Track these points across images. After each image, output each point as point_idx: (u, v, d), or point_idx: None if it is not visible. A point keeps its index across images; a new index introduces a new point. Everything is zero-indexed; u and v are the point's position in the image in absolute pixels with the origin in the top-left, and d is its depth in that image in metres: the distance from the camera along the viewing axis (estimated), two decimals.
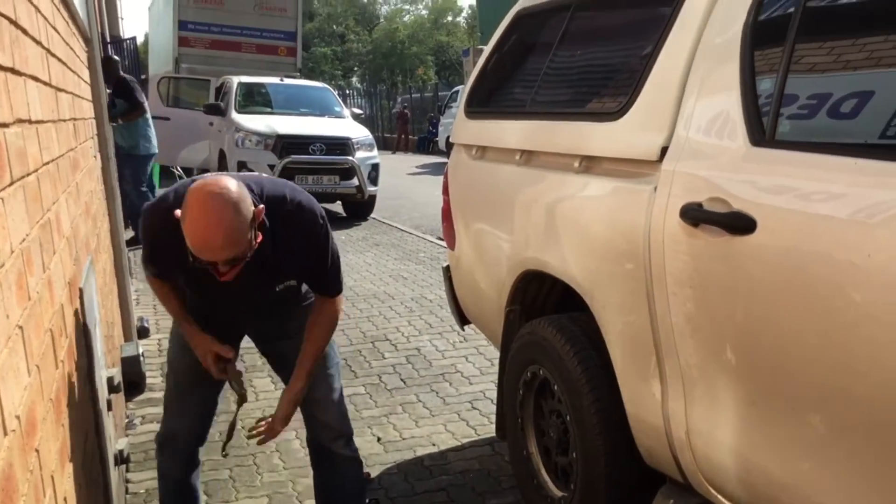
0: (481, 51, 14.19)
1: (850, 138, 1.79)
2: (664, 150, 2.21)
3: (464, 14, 52.33)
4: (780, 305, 1.79)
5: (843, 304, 1.65)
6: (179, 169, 13.76)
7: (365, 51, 48.66)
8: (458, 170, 3.54)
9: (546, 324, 2.74)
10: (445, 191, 3.63)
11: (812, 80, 1.94)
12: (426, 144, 26.99)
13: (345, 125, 11.03)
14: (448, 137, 13.99)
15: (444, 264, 3.82)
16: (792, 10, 1.99)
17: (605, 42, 2.91)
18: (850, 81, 1.84)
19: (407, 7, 52.51)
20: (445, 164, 3.72)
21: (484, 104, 3.46)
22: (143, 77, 14.11)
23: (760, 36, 2.06)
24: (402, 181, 16.34)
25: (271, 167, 9.86)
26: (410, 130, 29.41)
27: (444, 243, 5.09)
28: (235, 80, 11.69)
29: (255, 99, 11.74)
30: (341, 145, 10.28)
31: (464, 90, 3.73)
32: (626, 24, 2.77)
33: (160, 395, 3.47)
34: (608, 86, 2.69)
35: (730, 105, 2.06)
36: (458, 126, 3.59)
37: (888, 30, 1.81)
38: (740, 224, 1.89)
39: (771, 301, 1.82)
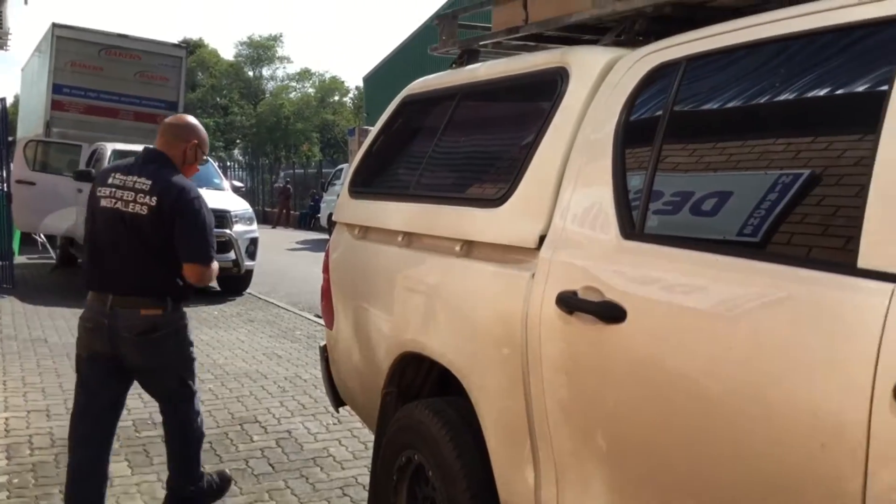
0: (367, 131, 14.33)
1: (711, 234, 1.90)
2: (542, 239, 2.28)
3: (351, 95, 53.12)
4: (648, 394, 1.85)
5: (705, 395, 1.72)
6: (42, 237, 13.06)
7: (249, 124, 48.35)
8: (340, 248, 3.52)
9: (423, 407, 2.72)
10: (326, 269, 3.59)
11: (678, 178, 2.06)
12: (307, 220, 26.83)
13: (223, 197, 10.82)
14: (330, 215, 13.95)
15: (322, 343, 3.75)
16: (660, 112, 2.12)
17: (489, 131, 3.01)
18: (712, 181, 1.97)
19: (294, 84, 52.80)
20: (326, 241, 3.70)
21: (368, 184, 3.48)
22: (10, 139, 13.43)
23: (631, 135, 2.18)
24: (281, 256, 16.09)
25: None
26: (292, 206, 29.19)
27: (321, 321, 5.00)
28: (109, 147, 11.32)
29: None
30: (219, 218, 10.00)
31: (348, 169, 3.75)
32: (509, 115, 2.89)
33: None
34: (490, 173, 2.77)
35: (603, 198, 2.16)
36: (342, 205, 3.59)
37: (746, 135, 1.96)
38: (612, 314, 1.95)
39: (639, 390, 1.87)
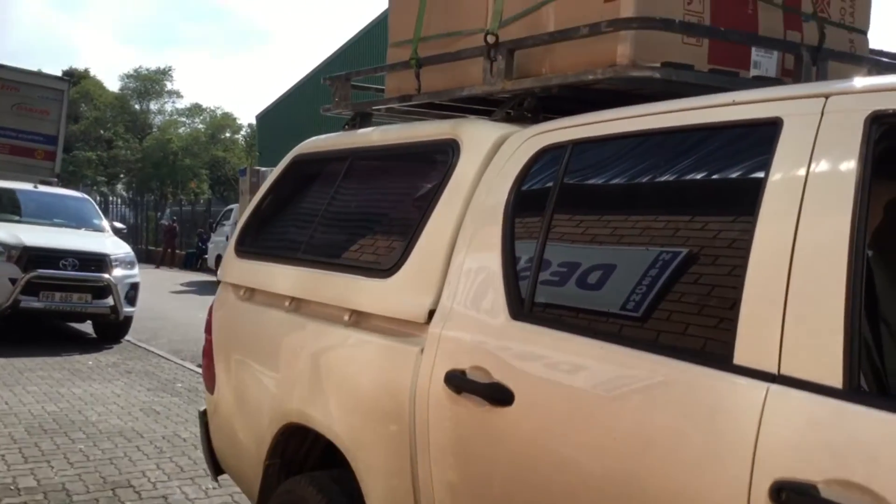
0: (258, 171, 13.99)
1: (597, 307, 1.93)
2: (432, 313, 2.26)
3: (243, 132, 52.23)
4: (536, 481, 1.84)
5: (590, 482, 1.72)
6: None
7: (134, 158, 46.72)
8: (224, 309, 3.40)
9: (306, 482, 2.62)
10: (208, 329, 3.46)
11: (565, 254, 2.09)
12: (194, 261, 25.98)
13: (103, 240, 10.35)
14: (218, 256, 13.59)
15: (202, 408, 3.59)
16: (548, 191, 2.15)
17: (380, 197, 2.98)
18: (597, 256, 2.01)
19: (183, 119, 51.50)
20: (213, 283, 3.56)
21: (256, 244, 3.38)
22: None
23: (520, 211, 2.20)
24: (163, 300, 15.48)
25: (13, 281, 8.97)
26: (178, 245, 28.25)
27: None
28: None
29: (2, 205, 10.74)
30: (97, 261, 9.59)
31: (237, 214, 3.64)
32: (401, 183, 2.87)
33: None
34: (381, 242, 2.74)
35: (492, 273, 2.16)
36: (228, 264, 3.48)
37: (629, 210, 2.02)
38: (499, 396, 1.94)
39: (528, 475, 1.86)
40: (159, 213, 33.48)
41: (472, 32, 2.70)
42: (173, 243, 28.01)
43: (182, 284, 19.92)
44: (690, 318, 1.71)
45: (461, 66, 2.70)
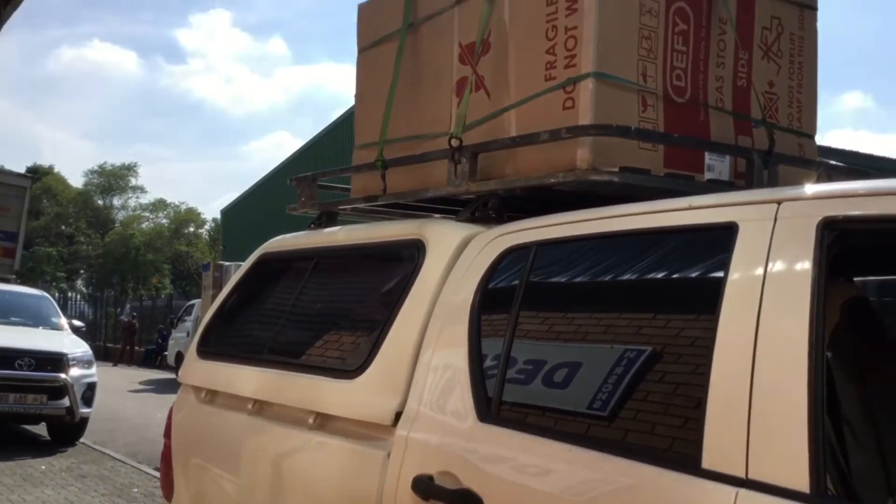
0: (222, 266, 13.81)
1: (564, 406, 1.93)
2: (398, 416, 2.23)
3: (207, 226, 52.19)
4: None
5: None
6: None
7: (95, 254, 46.26)
8: (184, 412, 3.32)
9: None
10: (167, 433, 3.36)
11: (531, 355, 2.10)
12: (153, 358, 25.42)
13: (61, 338, 10.12)
14: (178, 353, 13.31)
15: None
16: (514, 292, 2.18)
17: (346, 297, 2.98)
18: (563, 355, 2.02)
19: (147, 214, 51.38)
20: (172, 380, 3.48)
21: (218, 345, 3.34)
22: None
23: (486, 312, 2.22)
24: (121, 399, 15.04)
25: None
26: (137, 342, 27.70)
27: None
28: None
29: None
30: (54, 361, 9.35)
31: (199, 310, 3.60)
32: (367, 283, 2.88)
33: None
34: (348, 341, 2.73)
35: (459, 374, 2.16)
36: (189, 366, 3.41)
37: (594, 309, 2.05)
38: (468, 502, 1.91)
39: None
40: (119, 309, 32.95)
41: (437, 136, 2.78)
42: (132, 340, 27.47)
43: (140, 383, 19.43)
44: (657, 417, 1.72)
45: (426, 168, 2.76)
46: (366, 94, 3.24)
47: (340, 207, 3.24)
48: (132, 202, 51.01)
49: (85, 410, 9.59)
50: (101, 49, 65.35)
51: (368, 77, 3.22)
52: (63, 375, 9.30)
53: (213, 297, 10.74)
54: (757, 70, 2.68)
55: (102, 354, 24.98)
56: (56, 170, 49.81)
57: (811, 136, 2.86)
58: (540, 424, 1.94)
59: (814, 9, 2.88)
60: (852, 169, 2.91)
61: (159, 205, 51.34)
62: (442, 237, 2.46)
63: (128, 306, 32.75)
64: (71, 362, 9.52)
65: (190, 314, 20.41)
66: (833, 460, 1.55)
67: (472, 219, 2.55)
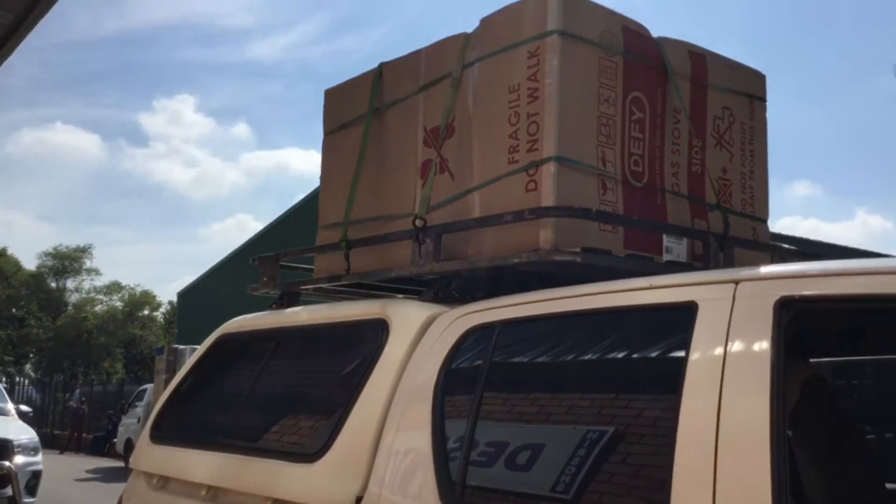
0: (177, 350, 13.48)
1: (527, 489, 1.90)
2: (359, 500, 2.18)
3: (162, 309, 51.31)
4: None
5: None
6: None
7: (46, 337, 45.05)
8: (135, 500, 3.19)
9: None
10: None
11: (495, 434, 2.08)
12: (102, 445, 24.50)
13: (6, 424, 9.75)
14: (128, 440, 12.82)
15: None
16: (478, 370, 2.17)
17: (307, 379, 2.94)
18: (526, 435, 2.00)
19: (101, 297, 50.42)
20: (122, 468, 3.35)
21: (173, 429, 3.24)
22: None
23: (450, 391, 2.20)
24: (67, 489, 14.40)
25: None
26: (85, 428, 26.73)
27: None
28: None
29: None
30: None
31: (151, 395, 3.50)
32: (328, 365, 2.84)
33: None
34: (308, 424, 2.67)
35: (422, 457, 2.12)
36: (141, 451, 3.30)
37: (557, 389, 2.05)
38: None
39: None
40: (68, 395, 31.90)
41: (401, 217, 2.81)
42: (81, 426, 26.50)
43: (88, 471, 18.64)
44: (622, 500, 1.70)
45: (390, 248, 2.78)
46: (331, 176, 3.28)
47: (303, 287, 3.23)
48: (86, 284, 50.07)
49: (29, 500, 9.18)
50: (63, 131, 65.31)
51: (334, 159, 3.27)
52: (7, 463, 8.94)
53: (167, 381, 10.47)
54: (710, 157, 2.78)
55: (49, 441, 24.03)
56: (9, 251, 48.86)
57: (764, 221, 2.95)
58: None
59: (763, 100, 3.01)
60: (804, 253, 3.00)
61: (113, 287, 50.44)
62: (405, 317, 2.46)
63: (77, 391, 31.72)
64: (16, 449, 9.16)
65: (141, 399, 19.83)
66: None
67: (436, 299, 2.56)
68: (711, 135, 2.81)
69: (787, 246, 2.95)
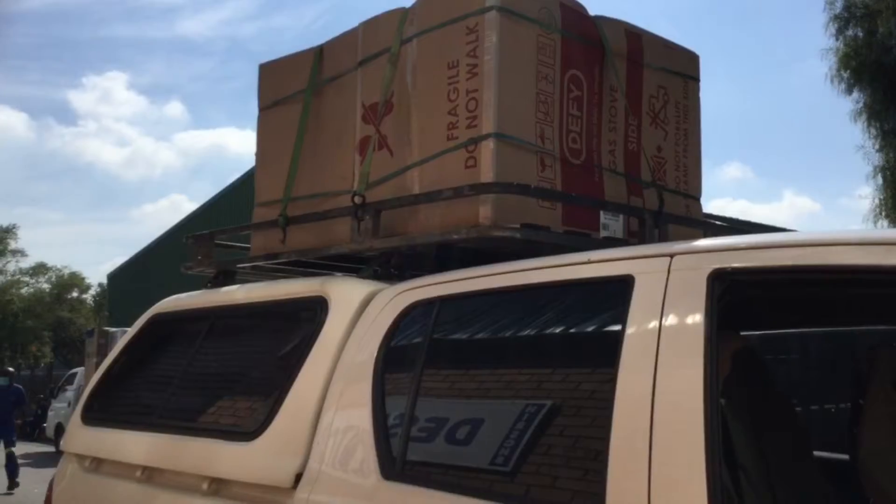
0: (107, 332, 13.09)
1: (467, 462, 1.93)
2: (299, 477, 2.17)
3: (92, 291, 49.91)
4: None
5: None
6: None
7: None
8: (67, 483, 3.12)
9: None
10: None
11: (435, 408, 2.09)
12: (32, 430, 23.82)
13: None
14: (58, 425, 12.56)
15: None
16: (418, 346, 2.17)
17: (244, 357, 2.90)
18: (466, 410, 2.02)
19: (26, 279, 48.74)
20: (53, 453, 3.27)
21: (105, 410, 3.17)
22: None
23: (390, 367, 2.20)
24: None
25: None
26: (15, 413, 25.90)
27: None
28: None
29: None
30: None
31: (82, 378, 3.42)
32: (266, 343, 2.81)
33: None
34: (244, 403, 2.64)
35: (363, 432, 2.12)
36: (73, 433, 3.22)
37: (498, 368, 2.06)
38: None
39: None
40: None
41: (339, 193, 2.78)
42: None
43: (19, 457, 18.12)
44: (560, 471, 1.73)
45: (329, 225, 2.75)
46: (267, 153, 3.22)
47: (239, 266, 3.18)
48: (11, 266, 48.33)
49: None
50: None
51: (270, 135, 3.21)
52: None
53: (98, 364, 10.24)
54: (646, 135, 2.83)
55: None
56: None
57: (697, 199, 3.01)
58: (444, 481, 1.92)
59: (696, 80, 3.07)
60: (735, 229, 3.07)
61: (40, 269, 48.80)
62: (345, 294, 2.44)
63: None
64: None
65: (71, 383, 19.31)
66: None
67: (376, 276, 2.55)
68: (647, 113, 2.86)
69: (719, 223, 3.03)
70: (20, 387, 12.36)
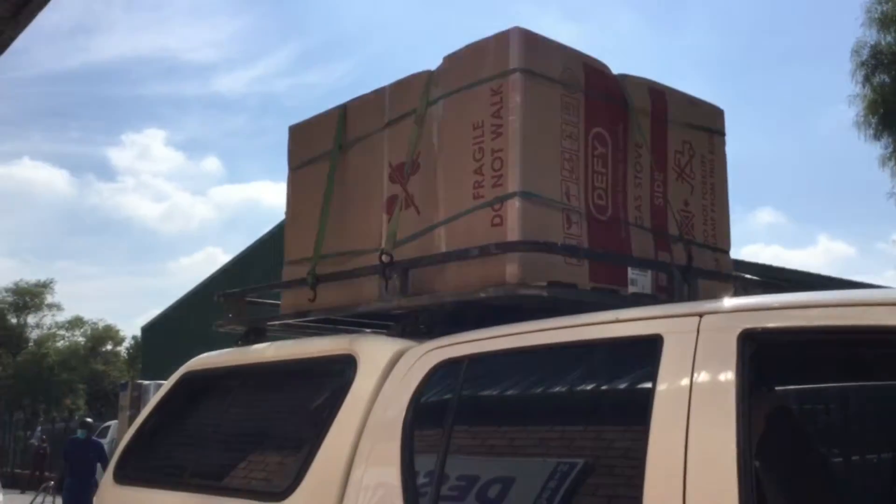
0: (141, 385, 12.97)
1: None
2: None
3: (126, 344, 50.42)
4: None
5: None
6: None
7: (5, 375, 43.98)
8: None
9: None
10: None
11: (464, 466, 2.07)
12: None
13: None
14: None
15: None
16: (447, 405, 2.17)
17: (274, 416, 2.91)
18: (497, 468, 2.00)
19: (62, 332, 49.42)
20: None
21: (138, 469, 3.17)
22: None
23: (419, 425, 2.19)
24: None
25: None
26: (47, 467, 26.06)
27: None
28: None
29: None
30: None
31: (114, 432, 3.44)
32: (295, 401, 2.82)
33: None
34: (276, 462, 2.64)
35: (392, 492, 2.11)
36: (105, 492, 3.23)
37: (527, 422, 2.05)
38: None
39: None
40: (29, 433, 31.12)
41: (367, 252, 2.81)
42: (42, 466, 25.86)
43: None
44: None
45: (357, 283, 2.77)
46: (296, 211, 3.27)
47: (269, 323, 3.20)
48: (48, 320, 49.06)
49: None
50: (30, 167, 64.24)
51: (299, 195, 3.26)
52: None
53: (132, 418, 10.24)
54: (672, 190, 2.83)
55: (10, 482, 23.36)
56: None
57: (726, 251, 3.00)
58: None
59: (722, 134, 3.08)
60: (766, 282, 3.05)
61: (76, 322, 49.48)
62: (373, 352, 2.45)
63: (38, 429, 30.97)
64: None
65: (105, 436, 19.40)
66: None
67: (404, 333, 2.55)
68: (673, 168, 2.87)
69: (749, 276, 3.00)
70: (100, 441, 10.78)
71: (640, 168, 2.75)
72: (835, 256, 53.18)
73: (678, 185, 2.87)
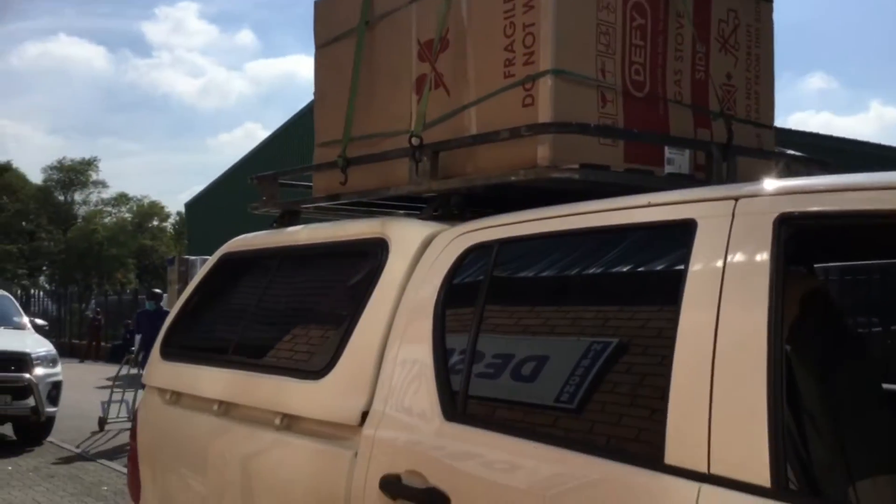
0: (187, 261, 13.24)
1: (531, 400, 1.95)
2: (365, 415, 2.23)
3: (171, 220, 51.56)
4: None
5: None
6: None
7: (57, 250, 45.47)
8: (150, 414, 3.28)
9: None
10: (133, 435, 3.33)
11: (496, 349, 2.10)
12: (120, 354, 25.07)
13: (23, 338, 9.97)
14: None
15: None
16: (477, 288, 2.18)
17: (309, 297, 2.96)
18: (529, 348, 2.03)
19: (109, 209, 50.55)
20: (140, 375, 3.44)
21: (182, 346, 3.30)
22: None
23: (451, 308, 2.22)
24: (88, 396, 14.80)
25: None
26: (103, 337, 27.30)
27: None
28: None
29: None
30: (17, 361, 9.22)
31: (165, 304, 3.56)
32: (330, 283, 2.86)
33: None
34: (313, 342, 2.71)
35: (425, 372, 2.16)
36: (153, 367, 3.38)
37: (558, 304, 2.06)
38: (435, 500, 1.91)
39: None
40: (84, 305, 32.45)
41: (397, 133, 2.76)
42: (98, 336, 27.09)
43: (108, 379, 19.14)
44: (623, 410, 1.74)
45: (388, 166, 2.75)
46: (325, 92, 3.21)
47: (303, 206, 3.22)
48: (94, 197, 50.19)
49: (51, 409, 9.48)
50: (67, 43, 63.94)
51: (327, 74, 3.19)
52: (27, 375, 9.18)
53: (180, 291, 10.57)
54: (714, 63, 2.70)
55: (69, 351, 24.59)
56: (14, 165, 48.79)
57: (769, 127, 2.88)
58: (507, 422, 1.95)
59: (769, 1, 2.90)
60: (810, 159, 2.95)
61: (121, 199, 50.57)
62: (405, 235, 2.45)
63: (93, 302, 32.28)
64: (35, 361, 9.40)
65: None
66: (794, 454, 1.57)
67: (435, 217, 2.54)
68: (716, 39, 2.72)
69: (791, 152, 2.90)
70: (168, 311, 11.07)
71: (681, 40, 2.62)
72: (887, 122, 51.37)
73: (721, 57, 2.73)
